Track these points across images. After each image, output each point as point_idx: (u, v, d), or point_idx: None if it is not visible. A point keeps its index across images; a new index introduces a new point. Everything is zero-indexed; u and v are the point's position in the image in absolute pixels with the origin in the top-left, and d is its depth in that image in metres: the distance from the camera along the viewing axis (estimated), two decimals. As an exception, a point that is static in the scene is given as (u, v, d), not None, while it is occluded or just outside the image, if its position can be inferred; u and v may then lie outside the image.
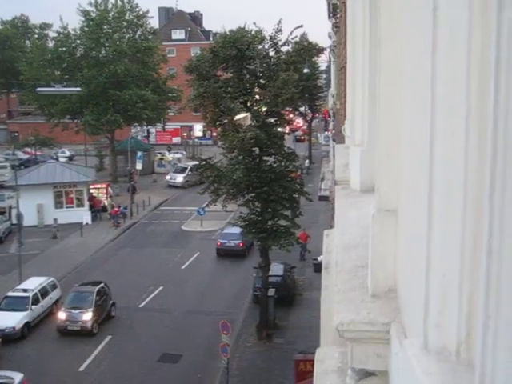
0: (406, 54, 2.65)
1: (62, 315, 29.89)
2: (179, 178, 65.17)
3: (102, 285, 32.05)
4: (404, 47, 2.71)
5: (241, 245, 40.00)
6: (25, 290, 31.35)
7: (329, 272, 4.63)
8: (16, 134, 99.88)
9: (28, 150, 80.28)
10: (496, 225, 1.69)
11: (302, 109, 77.90)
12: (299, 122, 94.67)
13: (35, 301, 30.93)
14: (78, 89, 49.76)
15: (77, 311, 29.75)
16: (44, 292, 31.97)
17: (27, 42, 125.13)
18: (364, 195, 4.32)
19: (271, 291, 29.68)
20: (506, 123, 1.63)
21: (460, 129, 1.92)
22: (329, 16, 43.57)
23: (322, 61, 73.80)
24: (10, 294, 31.29)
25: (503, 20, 1.61)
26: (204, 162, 29.96)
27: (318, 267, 31.65)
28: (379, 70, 3.13)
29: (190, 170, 63.78)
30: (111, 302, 32.05)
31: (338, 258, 3.51)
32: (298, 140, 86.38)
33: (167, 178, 66.62)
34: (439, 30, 2.02)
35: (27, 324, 29.94)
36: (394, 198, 2.94)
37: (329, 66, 71.50)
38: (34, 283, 32.26)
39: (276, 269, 32.14)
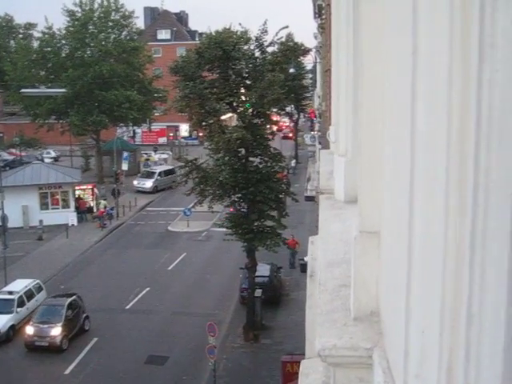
0: (388, 65, 2.63)
1: (29, 330, 28.21)
2: (148, 183, 63.06)
3: (75, 297, 30.39)
4: (386, 58, 2.68)
5: None
6: (10, 293, 31.13)
7: (313, 280, 4.61)
8: (1, 135, 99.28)
9: (13, 150, 79.82)
10: (476, 286, 1.67)
11: (288, 108, 78.01)
12: (286, 121, 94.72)
13: (21, 303, 30.74)
14: (63, 90, 49.54)
15: (45, 326, 28.16)
16: (29, 294, 31.78)
17: (12, 41, 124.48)
18: (348, 206, 4.30)
19: (258, 292, 29.67)
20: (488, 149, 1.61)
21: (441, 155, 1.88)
22: (314, 16, 43.62)
23: (308, 61, 74.01)
24: (-5, 296, 31.10)
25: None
26: (190, 164, 29.90)
27: (304, 268, 31.66)
28: (362, 82, 3.10)
29: (159, 174, 63.68)
30: (84, 315, 30.37)
31: (321, 277, 3.48)
32: (284, 137, 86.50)
33: (135, 182, 63.53)
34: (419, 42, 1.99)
35: (12, 327, 29.74)
36: (377, 220, 2.91)
37: (315, 66, 71.61)
38: (19, 285, 32.05)
39: (263, 269, 32.13)
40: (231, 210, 30.97)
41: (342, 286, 3.30)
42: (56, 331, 28.00)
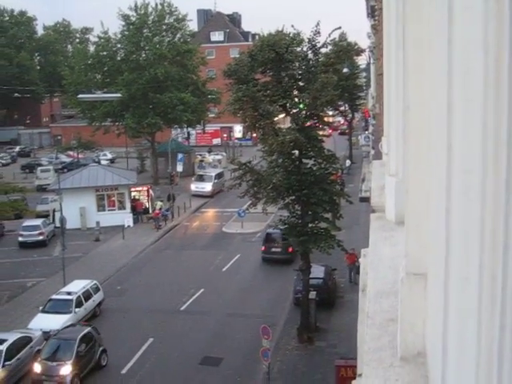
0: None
1: (37, 367, 24.92)
2: (208, 187, 62.25)
3: (89, 329, 27.30)
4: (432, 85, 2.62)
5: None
6: (68, 293, 31.71)
7: (365, 294, 4.56)
8: (59, 138, 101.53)
9: (71, 153, 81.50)
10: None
11: (341, 108, 77.52)
12: (341, 121, 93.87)
13: (78, 303, 31.26)
14: (118, 95, 50.29)
15: (54, 363, 24.94)
16: (87, 295, 32.30)
17: (69, 46, 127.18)
18: (398, 228, 4.23)
19: (312, 294, 29.54)
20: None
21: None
22: (368, 15, 43.22)
23: (362, 59, 73.41)
24: (54, 296, 31.69)
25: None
26: (243, 166, 29.96)
27: (359, 269, 31.42)
28: (410, 102, 3.03)
29: (215, 177, 63.65)
30: (101, 348, 27.18)
31: (370, 309, 3.44)
32: (342, 133, 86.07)
33: (192, 187, 62.53)
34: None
35: (71, 327, 30.24)
36: (424, 262, 2.86)
37: (369, 65, 70.98)
38: (77, 286, 32.64)
39: (317, 271, 32.00)
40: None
41: (391, 321, 3.26)
42: (65, 370, 24.64)
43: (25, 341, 26.91)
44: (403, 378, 2.75)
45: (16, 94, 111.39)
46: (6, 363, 25.00)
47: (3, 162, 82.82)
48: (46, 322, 29.50)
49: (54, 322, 29.53)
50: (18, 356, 25.84)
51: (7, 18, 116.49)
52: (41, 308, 31.28)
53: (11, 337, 26.85)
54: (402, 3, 3.48)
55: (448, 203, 1.99)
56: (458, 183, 1.94)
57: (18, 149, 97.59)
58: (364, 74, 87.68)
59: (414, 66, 2.90)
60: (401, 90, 3.83)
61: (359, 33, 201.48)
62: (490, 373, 1.81)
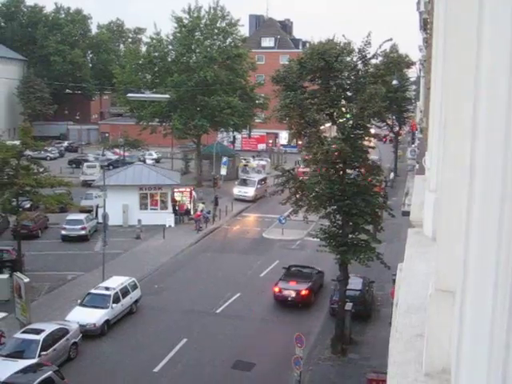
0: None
1: None
2: (250, 192, 62.13)
3: (50, 374, 22.93)
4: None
5: None
6: (107, 288, 32.11)
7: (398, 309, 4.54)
8: (106, 135, 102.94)
9: (117, 150, 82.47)
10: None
11: (389, 120, 76.89)
12: (388, 135, 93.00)
13: (116, 299, 31.60)
14: (167, 96, 50.78)
15: None
16: (125, 291, 32.64)
17: (121, 45, 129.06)
18: (435, 244, 4.20)
19: (349, 305, 29.35)
20: None
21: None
22: (420, 28, 42.87)
23: (413, 72, 72.79)
24: (93, 291, 32.13)
25: None
26: (287, 173, 29.95)
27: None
28: (447, 119, 3.02)
29: (259, 182, 63.54)
30: None
31: (399, 323, 3.43)
32: (383, 139, 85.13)
33: (235, 191, 62.66)
34: None
35: (107, 321, 30.65)
36: (453, 279, 2.85)
37: (418, 78, 70.34)
38: (115, 282, 33.04)
39: (355, 282, 31.80)
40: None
41: (418, 336, 3.25)
42: None
43: (62, 332, 27.33)
44: (426, 394, 2.74)
45: (67, 90, 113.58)
46: (43, 353, 25.44)
47: (51, 155, 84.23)
48: (83, 315, 29.95)
49: (91, 315, 29.97)
50: (54, 347, 26.27)
51: (63, 16, 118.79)
52: (79, 301, 31.77)
53: (49, 327, 27.33)
54: (444, 19, 3.47)
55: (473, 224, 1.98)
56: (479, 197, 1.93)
57: (66, 144, 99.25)
58: (414, 87, 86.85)
59: (452, 82, 2.89)
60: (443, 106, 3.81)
61: (411, 45, 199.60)
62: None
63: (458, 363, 2.09)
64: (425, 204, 4.59)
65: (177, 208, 53.21)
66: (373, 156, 73.48)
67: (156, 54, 69.26)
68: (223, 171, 61.06)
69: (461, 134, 2.70)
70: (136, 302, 33.45)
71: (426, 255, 4.16)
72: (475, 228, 1.94)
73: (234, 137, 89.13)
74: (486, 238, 1.87)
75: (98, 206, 49.59)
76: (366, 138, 30.02)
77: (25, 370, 23.17)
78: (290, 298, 33.89)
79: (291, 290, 34.03)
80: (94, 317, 30.04)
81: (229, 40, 70.52)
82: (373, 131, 32.97)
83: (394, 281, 33.87)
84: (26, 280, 29.65)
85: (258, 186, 62.57)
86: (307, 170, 45.81)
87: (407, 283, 3.96)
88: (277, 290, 34.39)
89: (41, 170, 39.04)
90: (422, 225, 4.68)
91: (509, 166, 1.76)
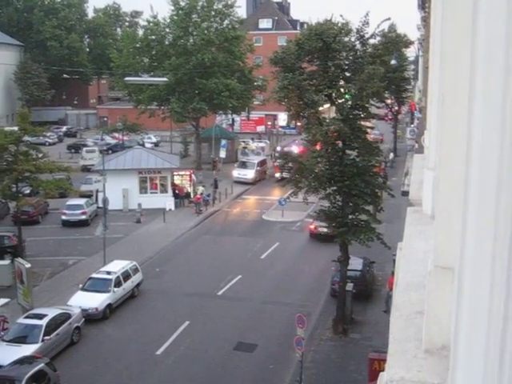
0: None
1: None
2: (250, 174, 61.99)
3: (42, 366, 22.70)
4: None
5: None
6: (108, 273, 32.19)
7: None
8: (105, 119, 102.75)
9: (116, 135, 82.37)
10: None
11: (388, 101, 76.70)
12: (388, 116, 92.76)
13: (117, 283, 31.71)
14: (165, 79, 50.62)
15: None
16: (126, 275, 32.73)
17: (118, 29, 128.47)
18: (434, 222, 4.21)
19: (349, 286, 29.47)
20: None
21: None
22: (418, 7, 42.65)
23: (411, 51, 72.50)
24: (94, 275, 32.22)
25: None
26: (286, 155, 29.96)
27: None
28: (444, 95, 3.00)
29: (258, 165, 63.41)
30: None
31: (398, 300, 3.44)
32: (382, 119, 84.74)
33: (234, 173, 62.28)
34: None
35: (109, 306, 30.77)
36: (452, 255, 2.85)
37: (417, 58, 70.10)
38: (117, 266, 33.10)
39: (355, 263, 31.87)
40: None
41: (418, 313, 3.26)
42: None
43: (64, 317, 27.46)
44: (426, 370, 2.75)
45: (65, 75, 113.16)
46: (46, 337, 25.58)
47: (50, 141, 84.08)
48: (85, 299, 30.06)
49: (92, 300, 30.09)
50: (57, 331, 26.41)
51: (59, 0, 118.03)
52: (81, 286, 31.87)
53: (51, 312, 27.46)
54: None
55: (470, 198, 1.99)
56: (476, 174, 1.94)
57: (64, 129, 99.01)
58: (412, 67, 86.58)
59: (450, 60, 2.88)
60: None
61: (409, 24, 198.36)
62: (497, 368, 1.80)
63: (457, 339, 2.10)
64: (424, 182, 4.59)
65: (177, 191, 53.22)
66: (375, 131, 73.68)
67: (153, 37, 68.92)
68: (222, 154, 61.00)
69: (458, 112, 2.70)
70: (138, 285, 33.56)
71: (425, 233, 4.16)
72: (473, 204, 1.95)
73: (232, 119, 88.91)
74: (483, 213, 1.88)
75: (97, 191, 49.59)
76: (366, 119, 29.98)
77: (17, 363, 22.88)
78: (322, 233, 39.29)
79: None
80: (95, 301, 30.16)
81: (226, 22, 70.13)
82: (373, 111, 32.87)
83: (394, 261, 34.00)
84: (28, 265, 29.71)
85: (258, 168, 62.51)
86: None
87: (406, 261, 3.97)
88: (312, 227, 41.89)
89: (40, 155, 38.98)
90: (421, 203, 4.69)
91: (505, 143, 1.76)
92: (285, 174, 50.80)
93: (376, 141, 45.90)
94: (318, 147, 30.07)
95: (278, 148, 55.92)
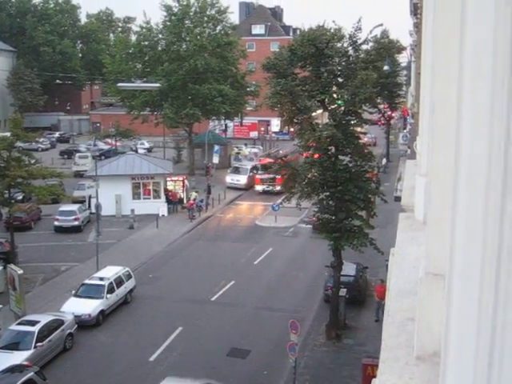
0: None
1: None
2: (243, 180, 61.97)
3: (31, 375, 22.44)
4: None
5: None
6: (101, 279, 32.11)
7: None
8: (98, 125, 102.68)
9: (109, 140, 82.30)
10: None
11: (380, 106, 76.85)
12: (381, 121, 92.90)
13: (110, 289, 31.63)
14: (157, 85, 50.69)
15: None
16: (119, 281, 32.66)
17: (111, 35, 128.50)
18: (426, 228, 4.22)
19: (343, 291, 29.48)
20: None
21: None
22: (410, 13, 42.82)
23: (403, 57, 72.72)
24: (87, 281, 32.14)
25: None
26: (279, 161, 29.97)
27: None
28: (435, 103, 3.02)
29: (251, 170, 63.35)
30: None
31: (390, 307, 3.45)
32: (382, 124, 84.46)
33: (228, 179, 62.59)
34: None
35: (102, 312, 30.68)
36: (443, 263, 2.86)
37: (409, 63, 70.30)
38: (109, 272, 33.03)
39: (348, 268, 31.88)
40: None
41: (410, 320, 3.26)
42: None
43: (57, 323, 27.37)
44: (417, 377, 2.76)
45: (58, 81, 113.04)
46: (38, 344, 25.48)
47: (43, 147, 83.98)
48: (78, 306, 30.00)
49: (85, 306, 30.01)
50: (50, 338, 26.31)
51: (52, 6, 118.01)
52: (73, 292, 31.79)
53: (44, 319, 27.36)
54: (434, 1, 3.47)
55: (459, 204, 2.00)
56: (465, 181, 1.95)
57: (57, 134, 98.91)
58: (405, 72, 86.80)
59: (440, 66, 2.89)
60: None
61: (402, 30, 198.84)
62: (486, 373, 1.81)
63: (446, 346, 2.10)
64: (416, 188, 4.61)
65: (170, 197, 53.18)
66: (368, 134, 73.44)
67: (146, 42, 68.99)
68: (215, 159, 61.00)
69: (448, 119, 2.71)
70: (131, 291, 33.49)
71: (417, 239, 4.18)
72: (461, 211, 1.95)
73: (225, 125, 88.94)
74: (471, 220, 1.89)
75: (90, 197, 49.51)
76: (359, 124, 30.02)
77: (6, 372, 22.55)
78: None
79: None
80: (88, 307, 30.07)
81: (219, 28, 70.31)
82: (366, 117, 32.97)
83: (386, 266, 34.04)
84: (20, 272, 29.61)
85: (251, 173, 62.49)
86: (265, 176, 48.48)
87: (398, 267, 3.98)
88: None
89: (32, 161, 38.90)
90: (413, 209, 4.70)
91: (493, 150, 1.77)
92: (267, 187, 51.47)
93: (369, 144, 46.01)
94: (305, 156, 30.10)
95: (261, 159, 56.08)
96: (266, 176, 52.84)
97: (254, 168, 61.96)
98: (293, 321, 24.08)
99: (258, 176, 58.38)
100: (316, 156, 29.34)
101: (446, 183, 2.70)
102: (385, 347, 3.10)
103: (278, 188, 52.26)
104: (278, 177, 50.87)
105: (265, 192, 56.05)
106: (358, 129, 31.03)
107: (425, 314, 2.94)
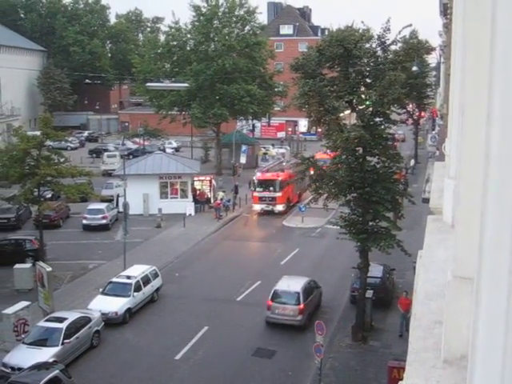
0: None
1: None
2: None
3: (57, 372, 22.51)
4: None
5: None
6: (128, 277, 32.31)
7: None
8: (126, 124, 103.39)
9: (137, 140, 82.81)
10: None
11: (409, 106, 76.27)
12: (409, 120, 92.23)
13: (137, 288, 31.79)
14: (186, 85, 50.87)
15: None
16: (146, 280, 32.82)
17: (140, 35, 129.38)
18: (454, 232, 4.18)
19: (369, 293, 29.29)
20: None
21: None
22: (440, 13, 42.49)
23: (433, 58, 72.12)
24: (114, 279, 32.36)
25: None
26: (307, 161, 29.85)
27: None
28: (465, 105, 2.98)
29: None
30: None
31: (417, 310, 3.42)
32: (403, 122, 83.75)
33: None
34: None
35: (129, 310, 30.86)
36: (472, 266, 2.83)
37: (439, 64, 69.68)
38: (137, 271, 33.23)
39: (375, 270, 31.69)
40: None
41: (437, 323, 3.24)
42: None
43: (84, 321, 27.59)
44: (444, 380, 2.74)
45: (87, 81, 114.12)
46: (65, 341, 25.71)
47: (72, 145, 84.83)
48: (105, 303, 30.21)
49: (112, 304, 30.21)
50: (77, 335, 26.53)
51: (82, 6, 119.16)
52: (101, 290, 32.01)
53: (71, 316, 27.60)
54: (464, 2, 3.44)
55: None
56: (494, 184, 1.92)
57: (86, 134, 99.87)
58: (434, 73, 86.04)
59: (470, 68, 2.86)
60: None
61: (431, 30, 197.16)
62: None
63: (474, 350, 2.09)
64: (444, 191, 4.56)
65: (197, 197, 53.35)
66: (399, 131, 72.44)
67: (175, 42, 69.31)
68: (243, 159, 61.03)
69: (478, 121, 2.68)
70: (157, 290, 33.64)
71: (445, 242, 4.14)
72: (490, 215, 1.94)
73: (253, 125, 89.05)
74: (500, 224, 1.87)
75: (118, 196, 49.90)
76: (388, 127, 29.80)
77: (32, 369, 22.82)
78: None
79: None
80: (115, 305, 30.28)
81: (247, 28, 70.39)
82: (394, 117, 32.68)
83: (414, 268, 33.78)
84: (49, 269, 29.91)
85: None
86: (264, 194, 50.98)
87: (426, 270, 3.95)
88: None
89: (61, 160, 39.23)
90: (441, 212, 4.66)
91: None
92: (266, 206, 50.96)
93: (398, 139, 45.32)
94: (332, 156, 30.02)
95: (258, 174, 54.55)
96: (265, 194, 52.35)
97: (251, 184, 55.53)
98: (319, 322, 24.02)
99: (255, 194, 53.59)
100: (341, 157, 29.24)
101: (475, 186, 2.67)
102: (412, 350, 3.08)
103: (280, 208, 52.01)
104: (278, 195, 50.85)
105: (265, 212, 52.65)
106: (387, 130, 30.79)
107: (452, 318, 2.92)
